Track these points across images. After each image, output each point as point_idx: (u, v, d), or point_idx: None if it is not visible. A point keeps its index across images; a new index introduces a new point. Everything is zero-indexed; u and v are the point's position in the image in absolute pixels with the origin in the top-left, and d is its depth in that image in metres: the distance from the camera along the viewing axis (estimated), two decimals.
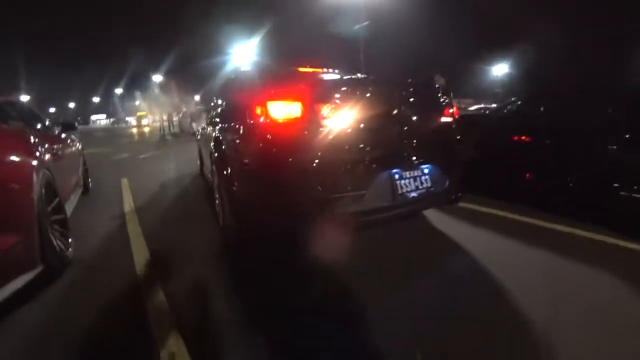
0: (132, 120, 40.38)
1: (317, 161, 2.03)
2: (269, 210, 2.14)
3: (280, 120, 2.06)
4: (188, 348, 1.52)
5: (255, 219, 2.27)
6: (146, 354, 1.53)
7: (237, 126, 2.49)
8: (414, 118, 2.38)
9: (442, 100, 2.59)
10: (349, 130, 2.11)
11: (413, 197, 2.27)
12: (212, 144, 3.13)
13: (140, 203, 3.95)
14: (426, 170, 2.35)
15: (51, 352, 1.58)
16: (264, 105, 2.09)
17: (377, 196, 2.16)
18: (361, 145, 2.14)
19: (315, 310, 1.84)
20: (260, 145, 2.11)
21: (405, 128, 2.33)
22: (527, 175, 3.37)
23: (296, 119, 2.06)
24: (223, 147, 2.73)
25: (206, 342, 1.60)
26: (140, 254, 2.52)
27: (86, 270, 2.30)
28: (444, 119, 2.57)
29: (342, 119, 2.11)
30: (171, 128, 18.71)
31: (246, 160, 2.25)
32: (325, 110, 2.11)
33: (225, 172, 2.56)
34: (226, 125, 2.84)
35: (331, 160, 2.05)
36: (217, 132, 3.09)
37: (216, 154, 2.89)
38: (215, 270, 2.28)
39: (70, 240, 2.42)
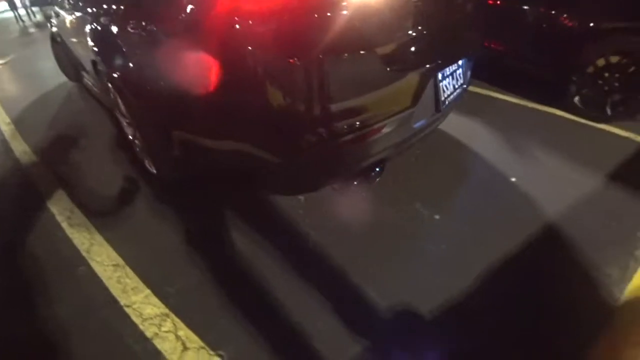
0: None
1: (342, 69, 1.18)
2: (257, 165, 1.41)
3: None
4: None
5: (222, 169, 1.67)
6: None
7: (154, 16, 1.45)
8: None
9: None
10: (379, 9, 1.22)
11: (450, 101, 1.68)
12: (93, 44, 2.05)
13: (18, 117, 3.49)
14: (461, 62, 1.75)
15: None
16: None
17: (423, 110, 1.52)
18: (402, 33, 1.32)
19: None
20: (226, 47, 1.15)
21: (449, 4, 1.56)
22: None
23: None
24: (124, 52, 1.69)
25: None
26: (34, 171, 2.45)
27: None
28: None
29: None
30: (31, 16, 14.75)
31: (197, 79, 1.32)
32: None
33: (143, 100, 1.66)
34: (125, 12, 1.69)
35: (364, 65, 1.23)
36: (104, 24, 1.89)
37: (113, 64, 1.82)
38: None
39: None
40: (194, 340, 1.26)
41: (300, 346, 1.24)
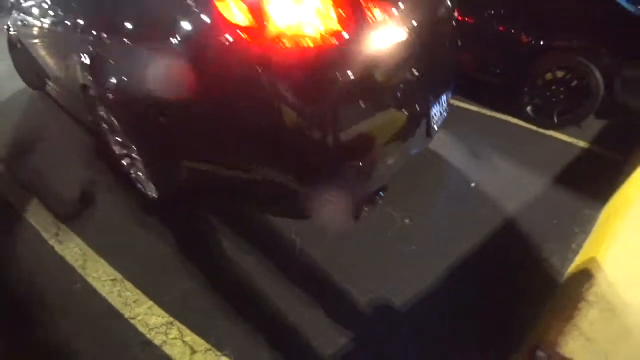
0: None
1: (359, 114, 1.37)
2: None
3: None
4: None
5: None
6: None
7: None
8: (440, 25, 1.82)
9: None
10: (388, 58, 1.41)
11: (439, 126, 1.88)
12: (88, 66, 1.88)
13: None
14: None
15: None
16: None
17: (418, 139, 1.75)
18: (404, 79, 1.53)
19: None
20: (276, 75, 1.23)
21: (436, 38, 1.76)
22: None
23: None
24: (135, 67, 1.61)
25: None
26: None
27: None
28: (454, 23, 2.01)
29: (382, 25, 1.36)
30: None
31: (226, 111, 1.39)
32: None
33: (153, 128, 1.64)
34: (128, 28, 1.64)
35: (376, 108, 1.43)
36: (105, 45, 1.77)
37: (112, 88, 1.71)
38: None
39: None
40: (200, 343, 1.39)
41: (294, 341, 1.41)
